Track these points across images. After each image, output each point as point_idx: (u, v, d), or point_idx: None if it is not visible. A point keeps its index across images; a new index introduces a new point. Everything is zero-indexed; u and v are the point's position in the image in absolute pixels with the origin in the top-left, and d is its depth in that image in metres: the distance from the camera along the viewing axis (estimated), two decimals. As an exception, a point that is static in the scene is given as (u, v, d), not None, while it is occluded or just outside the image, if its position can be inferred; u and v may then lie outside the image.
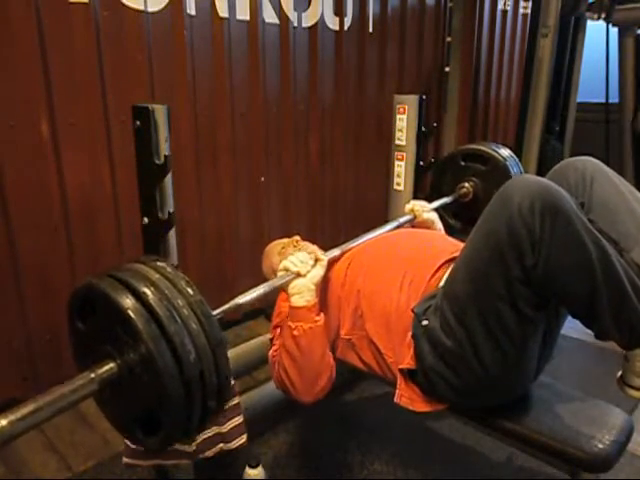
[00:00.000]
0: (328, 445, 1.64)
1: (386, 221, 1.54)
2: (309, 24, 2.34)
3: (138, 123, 1.17)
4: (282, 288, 1.20)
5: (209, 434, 1.24)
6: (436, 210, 1.69)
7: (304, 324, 1.15)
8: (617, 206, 1.13)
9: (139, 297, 0.78)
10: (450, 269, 1.16)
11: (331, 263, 1.29)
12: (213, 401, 0.84)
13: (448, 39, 3.12)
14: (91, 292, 0.82)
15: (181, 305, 0.80)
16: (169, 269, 0.85)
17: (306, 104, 2.44)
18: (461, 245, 1.31)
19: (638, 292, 0.95)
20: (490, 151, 1.92)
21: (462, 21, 2.98)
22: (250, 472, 1.33)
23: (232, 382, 1.28)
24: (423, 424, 1.74)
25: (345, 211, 2.79)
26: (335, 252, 1.33)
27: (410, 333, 1.15)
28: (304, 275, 1.19)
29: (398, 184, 2.11)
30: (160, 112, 1.15)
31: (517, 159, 1.95)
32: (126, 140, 1.47)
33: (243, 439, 1.28)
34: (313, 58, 2.41)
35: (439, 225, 1.66)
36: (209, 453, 1.24)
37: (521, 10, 3.65)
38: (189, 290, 0.82)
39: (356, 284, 1.27)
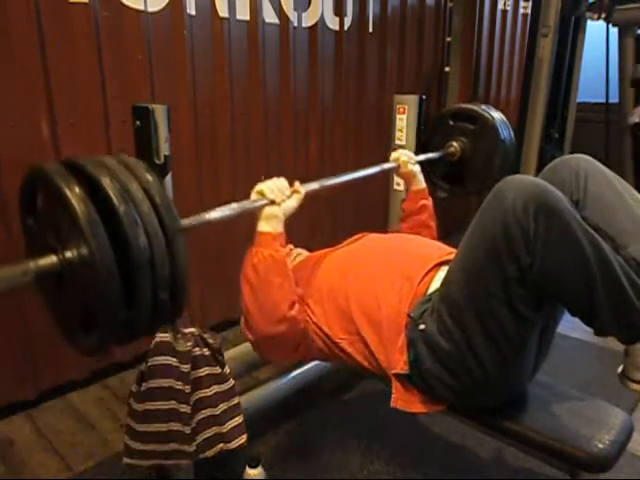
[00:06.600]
0: (328, 445, 1.64)
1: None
2: (309, 24, 2.34)
3: (138, 123, 1.17)
4: (253, 211, 1.19)
5: (209, 434, 1.24)
6: (424, 170, 1.70)
7: (264, 250, 1.16)
8: (612, 202, 1.12)
9: (88, 180, 0.73)
10: (444, 272, 1.15)
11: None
12: (165, 293, 0.79)
13: (448, 39, 3.13)
14: (36, 178, 0.78)
15: (135, 188, 0.76)
16: (131, 158, 0.82)
17: (306, 104, 2.44)
18: (449, 250, 1.31)
19: (635, 288, 0.95)
20: (480, 110, 1.89)
21: (462, 21, 2.99)
22: (250, 472, 1.33)
23: (232, 382, 1.29)
24: (423, 424, 1.74)
25: (345, 211, 2.79)
26: (313, 185, 1.29)
27: (402, 337, 1.15)
28: (278, 204, 1.18)
29: (398, 184, 2.10)
30: (160, 112, 1.15)
31: (509, 123, 1.90)
32: (126, 140, 1.47)
33: (243, 439, 1.28)
34: (313, 58, 2.41)
35: (420, 177, 1.68)
36: (209, 453, 1.24)
37: (521, 10, 3.65)
38: (147, 176, 0.79)
39: (344, 285, 1.26)
